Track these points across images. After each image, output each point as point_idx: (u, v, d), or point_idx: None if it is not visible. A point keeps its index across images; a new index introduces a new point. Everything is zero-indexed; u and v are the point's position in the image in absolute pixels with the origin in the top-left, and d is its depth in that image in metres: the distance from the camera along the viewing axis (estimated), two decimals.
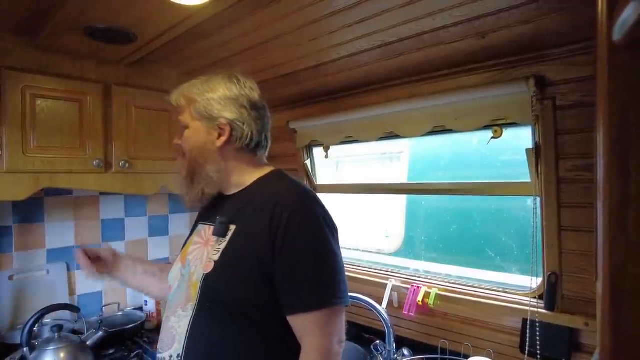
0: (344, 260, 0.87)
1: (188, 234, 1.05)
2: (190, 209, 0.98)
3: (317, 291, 0.79)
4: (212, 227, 0.90)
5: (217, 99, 0.89)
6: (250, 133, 0.90)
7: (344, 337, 0.83)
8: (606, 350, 0.31)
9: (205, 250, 0.89)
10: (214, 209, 0.94)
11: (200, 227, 0.97)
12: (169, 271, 1.03)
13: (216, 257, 0.84)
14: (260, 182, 0.92)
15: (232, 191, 0.94)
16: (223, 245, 0.85)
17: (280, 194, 0.84)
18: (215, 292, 0.83)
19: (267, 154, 1.00)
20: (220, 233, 0.87)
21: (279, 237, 0.79)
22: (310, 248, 0.80)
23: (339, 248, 0.86)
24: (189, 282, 0.87)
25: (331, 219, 0.87)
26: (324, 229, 0.82)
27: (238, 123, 0.88)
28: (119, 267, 1.11)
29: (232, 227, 0.86)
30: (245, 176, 0.93)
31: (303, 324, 0.80)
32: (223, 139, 0.88)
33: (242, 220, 0.86)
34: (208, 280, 0.83)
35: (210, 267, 0.84)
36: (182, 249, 0.99)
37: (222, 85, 0.91)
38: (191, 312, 0.83)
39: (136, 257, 1.23)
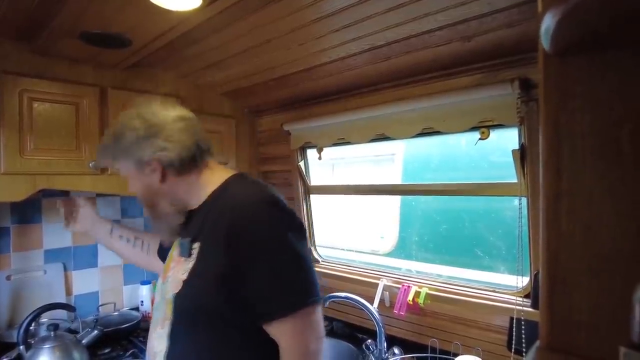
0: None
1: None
2: None
3: (285, 297, 0.78)
4: None
5: (130, 144, 0.87)
6: (177, 154, 0.86)
7: (322, 333, 0.83)
8: (544, 335, 0.33)
9: (179, 269, 0.89)
10: (184, 223, 0.95)
11: (176, 242, 0.96)
12: (143, 239, 1.17)
13: (184, 277, 0.85)
14: (216, 193, 0.89)
15: (195, 206, 0.92)
16: (190, 265, 0.85)
17: (233, 203, 0.82)
18: (186, 311, 0.84)
19: (210, 157, 0.95)
20: (185, 253, 0.86)
21: (237, 248, 0.78)
22: (271, 254, 0.78)
23: (303, 247, 0.83)
24: (165, 299, 0.88)
25: (294, 221, 0.84)
26: (283, 232, 0.80)
27: (159, 154, 0.86)
28: (94, 227, 1.23)
29: (196, 245, 0.86)
30: (200, 192, 0.91)
31: (278, 330, 0.79)
32: (158, 174, 0.87)
33: (203, 236, 0.85)
34: (178, 300, 0.84)
35: (179, 287, 0.85)
36: (165, 262, 1.00)
37: (127, 128, 0.88)
38: (168, 330, 0.85)
39: (117, 223, 1.28)
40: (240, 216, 0.79)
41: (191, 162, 0.89)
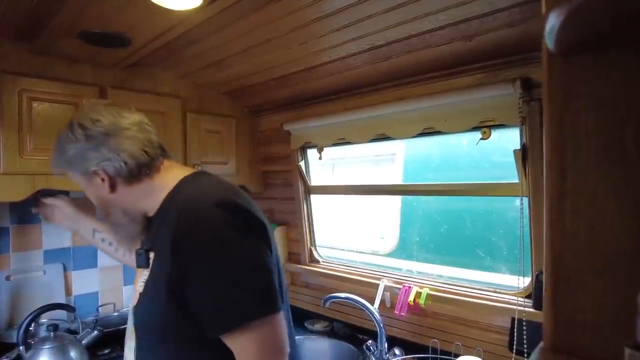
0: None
1: None
2: None
3: (234, 308, 0.70)
4: None
5: (73, 157, 0.83)
6: (122, 163, 0.81)
7: (284, 343, 0.75)
8: (547, 336, 0.32)
9: (137, 280, 0.86)
10: (147, 232, 0.90)
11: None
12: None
13: (141, 289, 0.82)
14: (168, 198, 0.83)
15: (151, 213, 0.87)
16: (145, 276, 0.81)
17: (181, 206, 0.76)
18: (142, 325, 0.82)
19: (163, 157, 0.87)
20: (142, 264, 0.82)
21: (181, 254, 0.71)
22: (218, 261, 0.71)
23: (259, 251, 0.74)
24: (131, 312, 0.87)
25: (246, 220, 0.75)
26: (231, 235, 0.72)
27: (104, 164, 0.81)
28: (75, 227, 1.22)
29: (152, 255, 0.81)
30: (154, 198, 0.84)
31: (232, 344, 0.72)
32: (106, 184, 0.82)
33: (156, 245, 0.80)
34: (136, 314, 0.83)
35: (136, 300, 0.82)
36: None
37: (67, 141, 0.83)
38: (134, 342, 0.84)
39: (99, 224, 1.21)
40: (186, 219, 0.73)
41: (140, 169, 0.82)
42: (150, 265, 0.81)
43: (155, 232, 0.83)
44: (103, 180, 0.82)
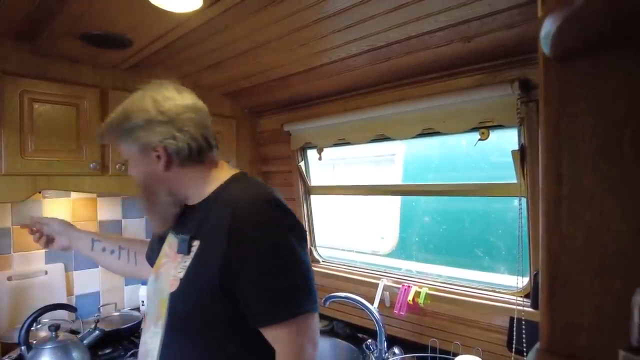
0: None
1: (163, 237, 1.00)
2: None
3: (285, 302, 0.75)
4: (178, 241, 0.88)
5: (138, 127, 0.83)
6: (186, 145, 0.83)
7: (318, 341, 0.81)
8: (544, 338, 0.33)
9: (172, 266, 0.86)
10: (181, 218, 0.92)
11: (171, 237, 0.93)
12: (129, 248, 1.14)
13: (181, 275, 0.82)
14: (218, 191, 0.86)
15: (194, 201, 0.89)
16: (187, 263, 0.82)
17: (236, 204, 0.79)
18: (181, 311, 0.82)
19: (215, 153, 0.91)
20: (183, 250, 0.84)
21: (238, 250, 0.75)
22: (273, 259, 0.76)
23: (304, 253, 0.81)
24: (159, 297, 0.86)
25: (295, 222, 0.82)
26: (285, 236, 0.77)
27: (169, 141, 0.82)
28: (73, 244, 1.16)
29: (196, 243, 0.83)
30: (202, 187, 0.87)
31: (275, 335, 0.77)
32: (163, 161, 0.83)
33: (203, 234, 0.83)
34: (174, 299, 0.82)
35: (175, 286, 0.82)
36: (157, 256, 0.97)
37: (138, 109, 0.83)
38: (162, 329, 0.83)
39: (96, 234, 1.20)
40: (243, 215, 0.77)
41: (197, 155, 0.85)
42: (193, 252, 0.82)
43: (199, 223, 0.84)
44: (159, 157, 0.83)
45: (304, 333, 0.77)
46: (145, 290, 1.82)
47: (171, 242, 0.91)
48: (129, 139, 0.84)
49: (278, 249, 0.76)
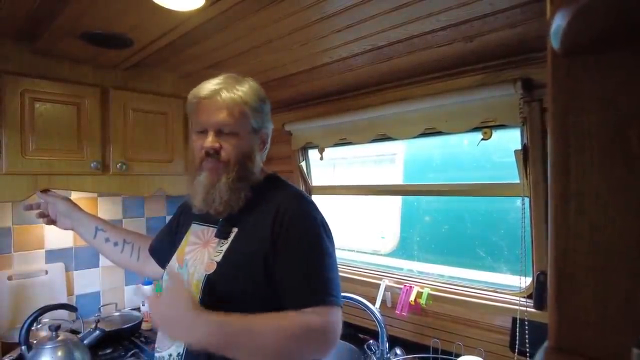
0: (341, 260, 0.88)
1: (175, 232, 1.07)
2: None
3: (320, 289, 0.82)
4: (211, 229, 0.94)
5: (267, 112, 0.96)
6: (269, 137, 0.99)
7: (339, 333, 0.85)
8: (552, 335, 0.33)
9: (205, 251, 0.91)
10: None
11: (196, 227, 0.98)
12: (134, 243, 1.16)
13: (218, 258, 0.88)
14: (260, 186, 0.94)
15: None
16: (225, 247, 0.88)
17: (282, 200, 0.88)
18: (218, 292, 0.85)
19: None
20: (223, 235, 0.91)
21: (282, 238, 0.83)
22: (311, 250, 0.84)
23: (334, 251, 0.90)
24: (189, 282, 0.89)
25: (327, 223, 0.91)
26: (322, 233, 0.87)
27: (269, 128, 0.98)
28: (75, 227, 1.19)
29: (234, 230, 0.90)
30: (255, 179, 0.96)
31: None
32: (263, 146, 0.97)
33: (243, 223, 0.90)
34: (211, 281, 0.86)
35: (212, 268, 0.87)
36: (177, 248, 0.99)
37: (264, 97, 0.96)
38: None
39: (102, 221, 1.21)
40: (290, 212, 0.86)
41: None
42: (230, 238, 0.90)
43: (239, 212, 0.91)
44: (264, 144, 0.98)
45: (332, 320, 0.82)
46: (150, 293, 1.82)
47: (197, 231, 0.98)
48: (256, 117, 0.92)
49: (317, 244, 0.85)
